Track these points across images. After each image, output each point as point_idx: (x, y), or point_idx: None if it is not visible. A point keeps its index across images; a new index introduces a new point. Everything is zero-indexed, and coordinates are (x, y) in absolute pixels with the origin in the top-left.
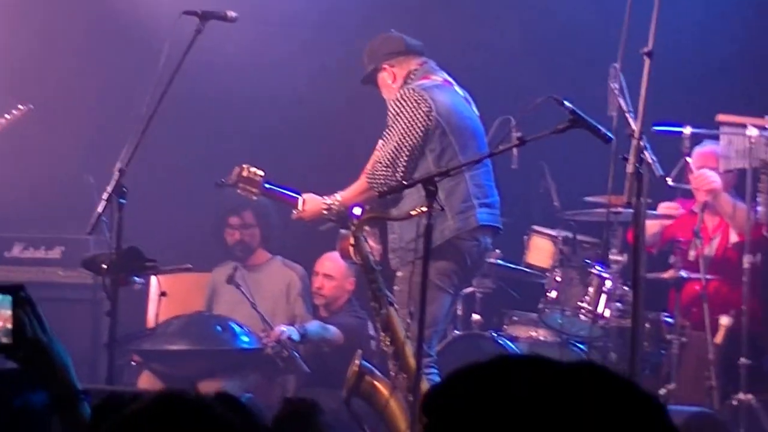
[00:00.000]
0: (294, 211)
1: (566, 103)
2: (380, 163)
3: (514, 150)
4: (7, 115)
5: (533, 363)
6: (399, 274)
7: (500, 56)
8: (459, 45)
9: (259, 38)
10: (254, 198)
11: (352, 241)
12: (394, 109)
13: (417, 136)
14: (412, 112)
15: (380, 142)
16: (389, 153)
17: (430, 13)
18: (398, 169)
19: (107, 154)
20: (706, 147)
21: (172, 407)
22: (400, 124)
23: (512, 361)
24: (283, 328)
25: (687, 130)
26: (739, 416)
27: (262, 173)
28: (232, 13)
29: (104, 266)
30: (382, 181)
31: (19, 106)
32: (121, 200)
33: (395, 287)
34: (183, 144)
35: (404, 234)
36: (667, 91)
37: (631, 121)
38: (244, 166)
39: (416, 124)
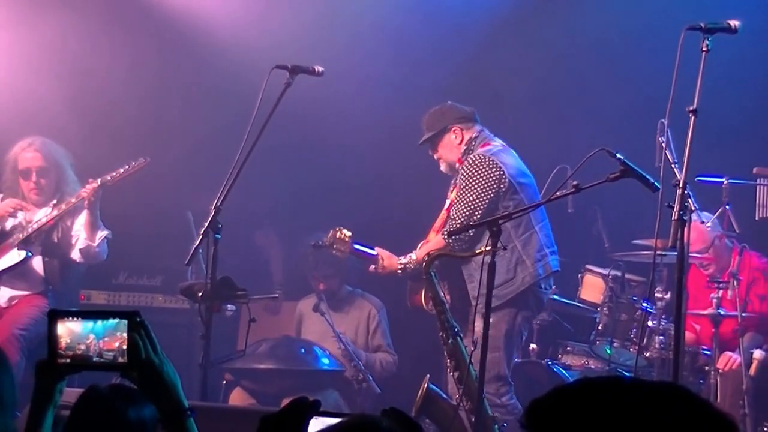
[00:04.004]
0: (372, 266)
1: (618, 155)
2: (455, 221)
3: (570, 196)
4: (126, 166)
5: (627, 384)
6: (491, 320)
7: (560, 112)
8: (524, 101)
9: (345, 93)
10: (344, 257)
11: (424, 276)
12: (467, 173)
13: (490, 197)
14: (486, 176)
15: (453, 202)
16: (464, 214)
17: (496, 76)
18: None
19: (205, 194)
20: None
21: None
22: (474, 188)
23: (606, 383)
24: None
25: (726, 181)
26: None
27: (350, 234)
28: (319, 68)
29: (200, 294)
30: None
31: (140, 159)
32: (216, 235)
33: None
34: (271, 186)
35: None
36: (710, 144)
37: (676, 171)
38: (337, 228)
39: (489, 187)
